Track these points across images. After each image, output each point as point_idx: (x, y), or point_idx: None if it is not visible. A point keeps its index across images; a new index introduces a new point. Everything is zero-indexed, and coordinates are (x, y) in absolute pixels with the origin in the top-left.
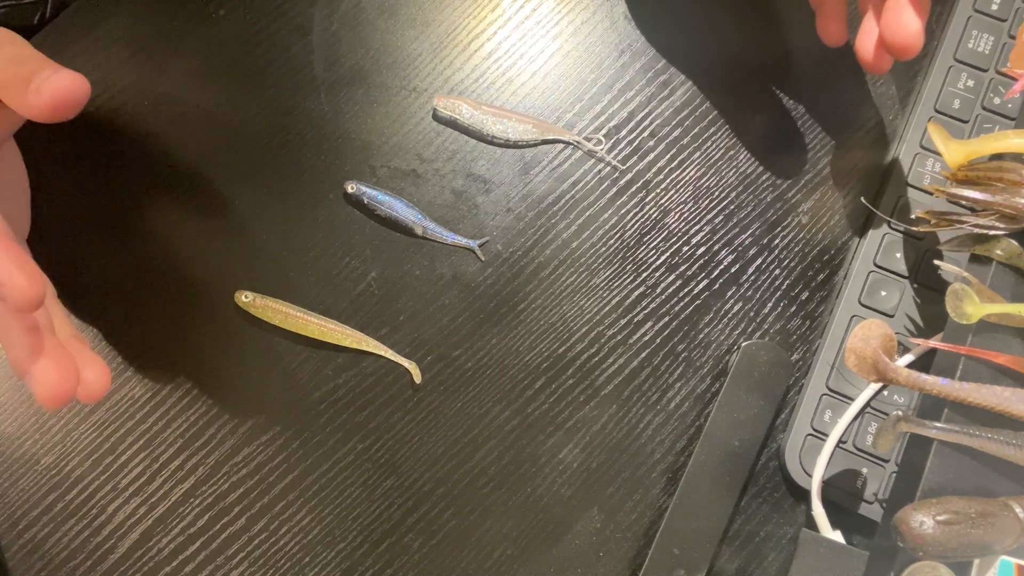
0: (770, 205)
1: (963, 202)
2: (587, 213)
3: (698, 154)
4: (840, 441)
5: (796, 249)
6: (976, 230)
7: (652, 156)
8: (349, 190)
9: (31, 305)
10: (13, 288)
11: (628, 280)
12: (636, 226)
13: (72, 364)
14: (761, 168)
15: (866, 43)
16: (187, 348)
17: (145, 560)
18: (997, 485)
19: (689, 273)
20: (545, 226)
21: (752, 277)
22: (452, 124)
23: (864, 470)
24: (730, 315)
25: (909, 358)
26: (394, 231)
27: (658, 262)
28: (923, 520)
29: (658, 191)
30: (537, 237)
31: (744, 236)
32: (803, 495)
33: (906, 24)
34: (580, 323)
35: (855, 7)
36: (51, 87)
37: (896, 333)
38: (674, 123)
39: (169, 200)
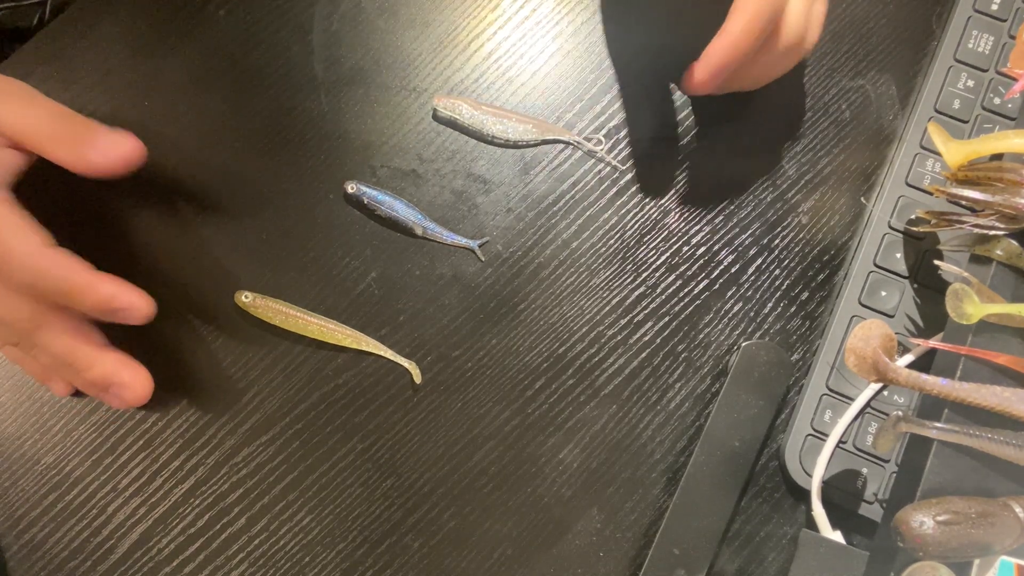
0: (770, 205)
1: (963, 202)
2: (587, 213)
3: (698, 154)
4: (840, 441)
5: (796, 249)
6: (976, 230)
7: (652, 156)
8: (349, 190)
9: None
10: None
11: (628, 280)
12: (636, 226)
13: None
14: (761, 168)
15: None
16: (187, 348)
17: (145, 560)
18: (997, 485)
19: (689, 273)
20: (545, 226)
21: (752, 277)
22: (452, 124)
23: (864, 470)
24: (730, 315)
25: (909, 358)
26: (394, 231)
27: (658, 262)
28: (923, 520)
29: (658, 191)
30: (537, 237)
31: (744, 236)
32: (803, 495)
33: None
34: (580, 323)
35: None
36: (118, 150)
37: (896, 333)
38: (674, 123)
39: (168, 200)
